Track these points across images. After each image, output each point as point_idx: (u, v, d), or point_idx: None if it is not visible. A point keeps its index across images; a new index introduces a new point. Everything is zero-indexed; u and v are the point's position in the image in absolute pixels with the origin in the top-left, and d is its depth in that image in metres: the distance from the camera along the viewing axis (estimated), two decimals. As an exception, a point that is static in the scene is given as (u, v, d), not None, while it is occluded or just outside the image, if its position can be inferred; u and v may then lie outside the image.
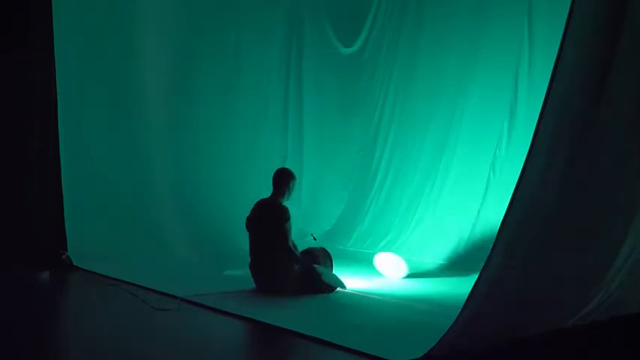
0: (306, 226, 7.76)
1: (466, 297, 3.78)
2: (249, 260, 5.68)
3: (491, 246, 3.77)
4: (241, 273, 5.90)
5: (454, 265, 6.94)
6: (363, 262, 7.09)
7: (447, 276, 6.55)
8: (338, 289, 5.65)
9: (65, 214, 6.61)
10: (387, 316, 5.01)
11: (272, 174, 5.76)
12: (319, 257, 5.84)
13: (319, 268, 5.63)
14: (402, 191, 8.02)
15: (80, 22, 6.79)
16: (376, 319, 4.90)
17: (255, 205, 5.73)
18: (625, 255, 4.48)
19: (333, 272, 5.86)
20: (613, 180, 4.25)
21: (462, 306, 3.76)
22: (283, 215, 5.53)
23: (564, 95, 3.77)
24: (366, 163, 8.54)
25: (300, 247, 5.87)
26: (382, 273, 6.42)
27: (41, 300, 5.45)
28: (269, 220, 5.57)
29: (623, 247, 4.43)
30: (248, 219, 5.68)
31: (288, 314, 4.89)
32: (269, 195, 5.71)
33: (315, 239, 7.10)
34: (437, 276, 6.55)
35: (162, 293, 5.35)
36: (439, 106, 7.77)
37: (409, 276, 6.36)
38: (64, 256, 6.45)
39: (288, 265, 5.51)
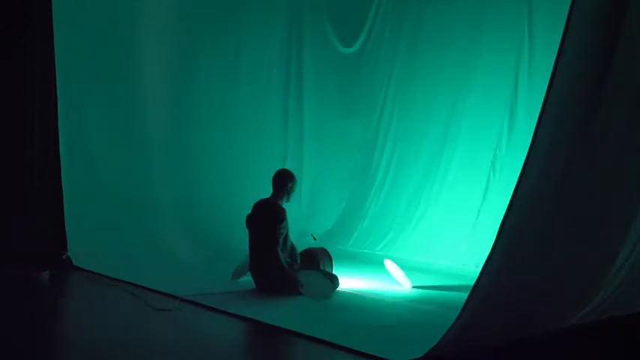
0: (306, 226, 7.75)
1: (466, 297, 3.78)
2: (248, 260, 5.68)
3: (491, 246, 3.77)
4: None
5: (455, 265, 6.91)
6: (363, 262, 7.09)
7: (453, 283, 6.22)
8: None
9: (65, 214, 6.60)
10: (387, 316, 5.02)
11: (272, 174, 5.76)
12: (319, 257, 5.83)
13: (304, 276, 5.48)
14: (402, 191, 8.02)
15: (80, 22, 6.78)
16: (376, 319, 4.90)
17: (254, 205, 5.73)
18: (625, 255, 4.48)
19: (333, 271, 5.85)
20: (613, 180, 4.25)
21: (462, 306, 3.77)
22: (278, 216, 5.53)
23: (564, 94, 3.78)
24: (366, 162, 8.54)
25: (300, 247, 5.87)
26: (393, 277, 6.16)
27: (41, 300, 5.44)
28: (265, 220, 5.57)
29: (623, 247, 4.44)
30: (248, 217, 5.68)
31: (288, 314, 4.89)
32: (269, 195, 5.71)
33: (315, 239, 7.09)
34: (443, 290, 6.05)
35: (162, 293, 5.35)
36: (439, 106, 7.78)
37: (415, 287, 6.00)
38: (64, 256, 6.44)
39: (287, 266, 5.50)
